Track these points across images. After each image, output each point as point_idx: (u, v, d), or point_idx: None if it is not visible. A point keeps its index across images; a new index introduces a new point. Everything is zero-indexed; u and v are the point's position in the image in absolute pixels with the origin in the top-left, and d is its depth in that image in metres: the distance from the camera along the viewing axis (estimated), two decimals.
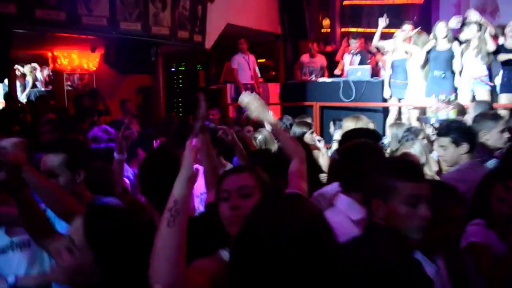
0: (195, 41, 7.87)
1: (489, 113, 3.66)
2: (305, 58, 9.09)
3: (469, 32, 6.45)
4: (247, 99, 2.51)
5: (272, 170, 2.12)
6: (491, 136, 3.27)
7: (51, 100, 7.58)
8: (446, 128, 3.22)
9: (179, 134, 4.99)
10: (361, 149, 2.15)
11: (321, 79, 8.35)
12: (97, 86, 7.76)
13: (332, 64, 9.18)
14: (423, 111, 6.42)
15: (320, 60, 9.01)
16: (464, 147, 2.98)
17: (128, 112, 6.75)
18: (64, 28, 6.03)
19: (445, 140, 3.09)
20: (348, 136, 3.04)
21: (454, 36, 6.77)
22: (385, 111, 7.43)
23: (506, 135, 3.37)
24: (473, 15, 6.49)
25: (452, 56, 6.56)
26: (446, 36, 6.55)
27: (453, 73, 6.61)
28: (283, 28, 10.05)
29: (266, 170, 1.79)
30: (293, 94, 8.27)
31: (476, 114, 3.81)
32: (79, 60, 7.70)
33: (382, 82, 7.49)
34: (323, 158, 4.42)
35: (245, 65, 8.50)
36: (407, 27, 7.13)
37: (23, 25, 5.72)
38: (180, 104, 9.20)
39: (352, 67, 8.00)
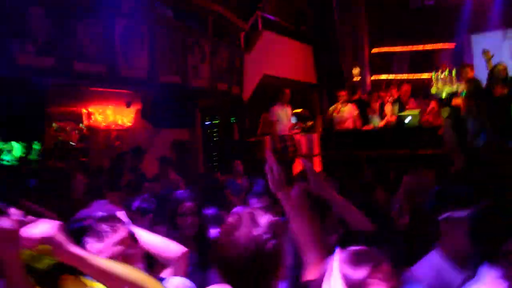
0: (233, 93, 7.58)
1: None
2: (337, 107, 8.67)
3: None
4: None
5: None
6: None
7: (85, 157, 7.25)
8: None
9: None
10: None
11: (367, 127, 7.96)
12: (132, 142, 7.43)
13: (363, 111, 8.74)
14: None
15: (351, 109, 8.52)
16: None
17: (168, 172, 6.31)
18: (103, 81, 5.76)
19: None
20: None
21: None
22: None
23: None
24: None
25: None
26: None
27: None
28: (319, 78, 9.79)
29: None
30: (337, 144, 7.83)
31: None
32: (114, 116, 7.43)
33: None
34: None
35: (284, 117, 8.13)
36: None
37: (62, 79, 5.47)
38: (215, 159, 8.80)
39: (402, 113, 7.57)
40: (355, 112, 8.39)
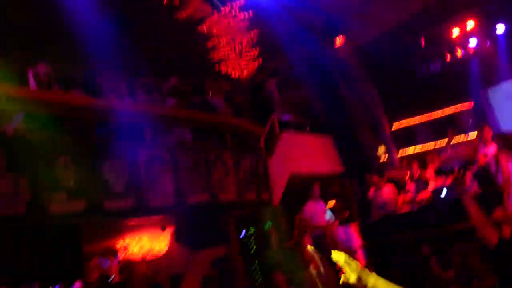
0: (262, 200, 7.52)
1: None
2: (371, 193, 8.43)
3: None
4: (341, 258, 1.93)
5: None
6: None
7: None
8: None
9: None
10: None
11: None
12: (170, 268, 7.30)
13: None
14: None
15: (387, 191, 8.24)
16: None
17: None
18: (134, 214, 5.81)
19: None
20: None
21: None
22: None
23: None
24: None
25: None
26: None
27: None
28: (345, 165, 9.72)
29: None
30: (377, 232, 7.54)
31: None
32: (150, 243, 7.41)
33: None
34: None
35: (318, 212, 7.93)
36: None
37: (94, 219, 5.55)
38: (258, 268, 8.48)
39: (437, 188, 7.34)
40: (394, 193, 8.16)
